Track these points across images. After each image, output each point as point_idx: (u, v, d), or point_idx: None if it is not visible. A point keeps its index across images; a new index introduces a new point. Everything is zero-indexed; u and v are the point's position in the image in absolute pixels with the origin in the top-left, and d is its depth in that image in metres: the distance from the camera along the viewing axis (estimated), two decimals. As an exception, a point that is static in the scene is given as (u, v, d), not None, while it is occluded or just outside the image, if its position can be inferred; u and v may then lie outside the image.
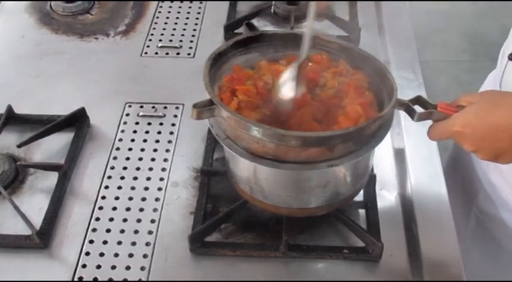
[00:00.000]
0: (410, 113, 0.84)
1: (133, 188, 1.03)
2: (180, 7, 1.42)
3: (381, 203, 0.99)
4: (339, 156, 0.82)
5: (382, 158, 1.07)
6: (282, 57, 0.95)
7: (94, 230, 0.97)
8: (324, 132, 0.81)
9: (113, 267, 0.92)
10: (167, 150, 1.09)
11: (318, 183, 0.88)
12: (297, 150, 0.80)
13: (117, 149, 1.10)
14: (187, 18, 1.39)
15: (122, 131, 1.13)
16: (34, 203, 1.01)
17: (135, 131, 1.13)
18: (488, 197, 1.13)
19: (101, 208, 1.00)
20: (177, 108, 1.17)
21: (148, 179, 1.05)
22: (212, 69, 0.89)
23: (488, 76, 1.22)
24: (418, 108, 0.84)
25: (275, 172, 0.86)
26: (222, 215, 0.96)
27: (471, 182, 1.17)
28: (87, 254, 0.94)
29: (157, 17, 1.40)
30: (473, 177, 1.16)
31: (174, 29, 1.36)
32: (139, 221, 0.98)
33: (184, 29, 1.36)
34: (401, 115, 1.09)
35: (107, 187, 1.03)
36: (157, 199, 1.01)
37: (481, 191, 1.15)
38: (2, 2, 1.44)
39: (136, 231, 0.97)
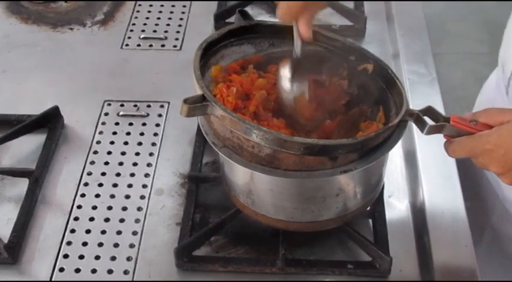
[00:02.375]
0: (420, 124, 0.85)
1: (112, 196, 1.03)
2: (165, -6, 1.43)
3: (389, 213, 0.99)
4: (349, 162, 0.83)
5: (390, 162, 1.07)
6: (277, 54, 0.94)
7: (69, 243, 0.97)
8: (331, 140, 0.82)
9: (90, 285, 0.93)
10: (151, 154, 1.10)
11: (329, 192, 0.88)
12: (297, 158, 0.81)
13: (95, 152, 1.10)
14: (173, 6, 1.40)
15: (100, 133, 1.13)
16: (1, 213, 1.01)
17: (114, 133, 1.13)
18: (502, 215, 1.13)
19: (76, 219, 1.00)
20: (161, 106, 1.18)
21: (130, 186, 1.05)
22: (202, 61, 0.88)
23: (490, 76, 1.23)
24: (429, 121, 0.85)
25: (280, 182, 0.86)
26: (212, 226, 0.96)
27: (485, 193, 1.18)
28: (61, 270, 0.94)
29: (140, 5, 1.40)
30: (488, 189, 1.17)
31: (159, 19, 1.37)
32: (119, 233, 0.98)
33: (170, 19, 1.37)
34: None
35: (83, 195, 1.04)
36: (139, 208, 1.02)
37: (496, 209, 1.15)
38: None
39: (116, 245, 0.97)
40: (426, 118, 0.85)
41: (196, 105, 0.79)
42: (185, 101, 0.79)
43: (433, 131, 0.84)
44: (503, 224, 1.14)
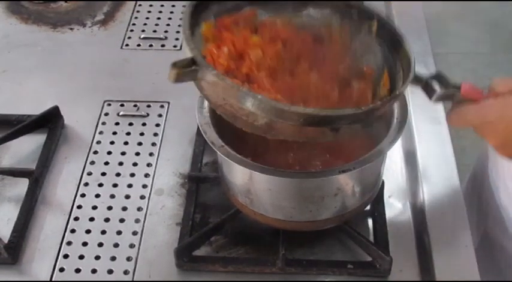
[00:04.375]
0: (429, 91, 0.80)
1: (112, 196, 1.03)
2: (165, -6, 1.43)
3: (389, 213, 0.99)
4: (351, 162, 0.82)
5: (390, 162, 1.07)
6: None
7: (69, 243, 0.97)
8: (334, 109, 0.75)
9: (90, 285, 0.93)
10: (151, 154, 1.10)
11: (328, 192, 0.88)
12: (296, 128, 0.75)
13: (95, 152, 1.10)
14: (173, 6, 1.40)
15: (100, 133, 1.13)
16: (1, 213, 1.01)
17: (114, 133, 1.13)
18: (496, 220, 1.13)
19: (76, 219, 1.00)
20: (161, 106, 1.18)
21: (130, 186, 1.05)
22: (192, 18, 0.81)
23: None
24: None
25: (279, 181, 0.86)
26: (212, 226, 0.96)
27: (484, 203, 1.17)
28: (61, 270, 0.94)
29: (140, 5, 1.40)
30: (487, 198, 1.16)
31: (159, 19, 1.37)
32: (119, 233, 0.98)
33: (170, 19, 1.37)
34: (412, 113, 1.10)
35: (83, 195, 1.04)
36: (139, 208, 1.02)
37: (490, 214, 1.14)
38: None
39: (116, 245, 0.97)
40: (435, 85, 0.81)
41: (185, 70, 0.74)
42: (174, 64, 0.74)
43: (442, 98, 0.81)
44: (496, 232, 1.13)
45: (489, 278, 1.13)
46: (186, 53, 0.76)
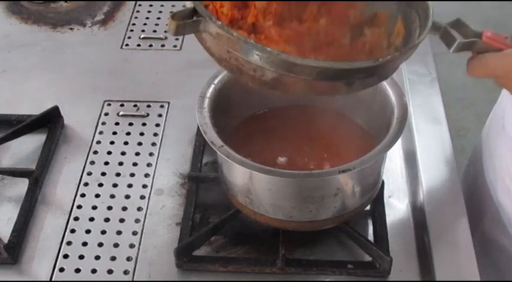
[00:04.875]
0: (449, 40, 0.75)
1: (112, 196, 1.03)
2: (165, -7, 1.43)
3: (389, 213, 0.99)
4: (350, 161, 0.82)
5: (390, 161, 1.07)
6: None
7: (69, 243, 0.97)
8: (350, 62, 0.70)
9: (90, 285, 0.93)
10: (151, 154, 1.10)
11: (328, 192, 0.88)
12: (307, 83, 0.70)
13: (95, 152, 1.10)
14: (173, 6, 1.40)
15: (100, 133, 1.13)
16: (1, 213, 1.01)
17: (114, 133, 1.13)
18: (494, 219, 1.12)
19: (76, 219, 1.00)
20: (161, 106, 1.18)
21: (130, 186, 1.05)
22: None
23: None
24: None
25: (279, 182, 0.86)
26: (212, 226, 0.96)
27: (479, 201, 1.16)
28: (61, 270, 0.94)
29: (140, 5, 1.40)
30: (483, 197, 1.15)
31: (159, 19, 1.37)
32: (119, 233, 0.98)
33: (170, 18, 1.36)
34: (412, 113, 1.10)
35: (83, 195, 1.04)
36: (139, 208, 1.02)
37: (488, 213, 1.14)
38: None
39: (116, 245, 0.97)
40: (455, 33, 0.76)
41: (186, 22, 0.69)
42: (173, 16, 0.68)
43: (463, 47, 0.75)
44: (493, 230, 1.12)
45: (486, 277, 1.13)
46: (186, 4, 0.70)
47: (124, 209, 1.01)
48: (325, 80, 0.69)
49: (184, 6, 0.71)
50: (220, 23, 0.69)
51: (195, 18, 0.69)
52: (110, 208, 1.02)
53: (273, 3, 0.76)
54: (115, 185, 1.05)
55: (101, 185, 1.05)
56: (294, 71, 0.68)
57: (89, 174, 1.07)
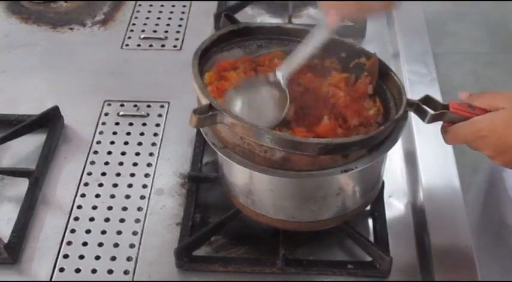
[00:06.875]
0: (421, 114, 0.86)
1: (113, 196, 1.03)
2: (165, -7, 1.43)
3: (389, 213, 0.99)
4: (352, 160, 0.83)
5: (390, 162, 1.07)
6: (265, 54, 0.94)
7: (69, 243, 0.97)
8: (344, 138, 0.83)
9: (90, 285, 0.93)
10: (151, 154, 1.10)
11: (330, 192, 0.88)
12: (310, 158, 0.81)
13: (95, 152, 1.10)
14: (173, 6, 1.40)
15: (100, 133, 1.13)
16: (2, 213, 1.01)
17: (115, 133, 1.13)
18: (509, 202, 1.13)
19: (76, 219, 1.00)
20: (161, 106, 1.18)
21: (130, 186, 1.05)
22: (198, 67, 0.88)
23: None
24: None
25: (281, 182, 0.86)
26: (212, 226, 0.96)
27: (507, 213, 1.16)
28: (61, 270, 0.94)
29: (140, 5, 1.40)
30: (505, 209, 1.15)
31: (159, 19, 1.37)
32: (119, 233, 0.98)
33: (170, 19, 1.37)
34: (412, 113, 1.09)
35: (83, 195, 1.04)
36: (139, 208, 1.02)
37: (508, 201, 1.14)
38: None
39: (116, 245, 0.97)
40: (426, 107, 0.85)
41: (205, 116, 0.79)
42: (194, 111, 0.79)
43: (434, 119, 0.85)
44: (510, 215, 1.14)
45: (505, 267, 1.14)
46: (201, 101, 0.82)
47: (124, 209, 1.01)
48: (326, 154, 0.80)
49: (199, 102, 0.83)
50: (234, 114, 0.81)
51: (211, 112, 0.79)
52: (110, 208, 1.02)
53: None
54: (115, 185, 1.05)
55: (101, 185, 1.05)
56: (299, 149, 0.79)
57: (89, 174, 1.07)
